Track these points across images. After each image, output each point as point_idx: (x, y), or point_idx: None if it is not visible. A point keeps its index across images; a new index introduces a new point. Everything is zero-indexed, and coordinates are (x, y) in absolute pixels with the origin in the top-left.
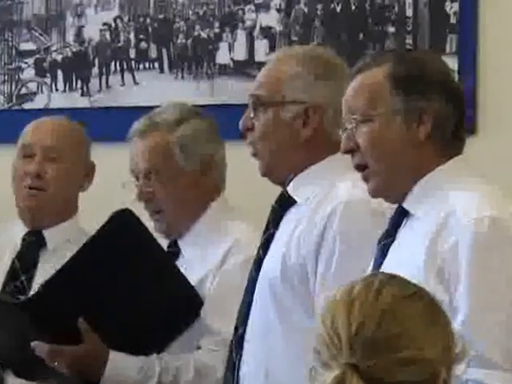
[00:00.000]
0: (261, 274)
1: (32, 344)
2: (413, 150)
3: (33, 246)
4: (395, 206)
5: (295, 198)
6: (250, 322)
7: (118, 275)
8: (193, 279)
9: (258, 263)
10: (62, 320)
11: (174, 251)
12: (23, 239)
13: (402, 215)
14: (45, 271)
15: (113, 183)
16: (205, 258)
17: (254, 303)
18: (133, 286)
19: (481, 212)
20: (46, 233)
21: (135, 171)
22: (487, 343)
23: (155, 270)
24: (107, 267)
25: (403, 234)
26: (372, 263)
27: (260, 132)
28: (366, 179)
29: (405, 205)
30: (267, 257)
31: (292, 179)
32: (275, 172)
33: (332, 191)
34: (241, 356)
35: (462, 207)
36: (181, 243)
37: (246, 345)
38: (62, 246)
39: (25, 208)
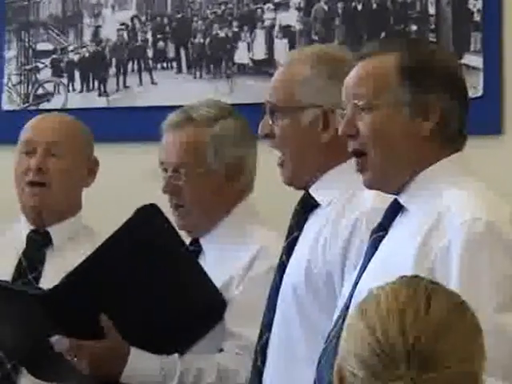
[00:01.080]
0: (284, 279)
1: (51, 339)
2: (414, 143)
3: (39, 244)
4: None
5: (318, 200)
6: (273, 327)
7: (142, 271)
8: (215, 281)
9: (282, 268)
10: (82, 315)
11: (195, 249)
12: (28, 237)
13: (396, 209)
14: (52, 269)
15: (130, 183)
16: (228, 261)
17: (278, 309)
18: (156, 284)
19: (475, 213)
20: (51, 230)
21: (165, 163)
22: None
23: (180, 269)
24: (131, 262)
25: (396, 228)
26: (363, 256)
27: (280, 138)
28: (361, 167)
29: (400, 199)
30: (291, 261)
31: (314, 181)
32: (299, 179)
33: (357, 195)
34: (265, 362)
35: (457, 207)
36: (203, 242)
37: (269, 351)
38: (67, 243)
39: (28, 206)
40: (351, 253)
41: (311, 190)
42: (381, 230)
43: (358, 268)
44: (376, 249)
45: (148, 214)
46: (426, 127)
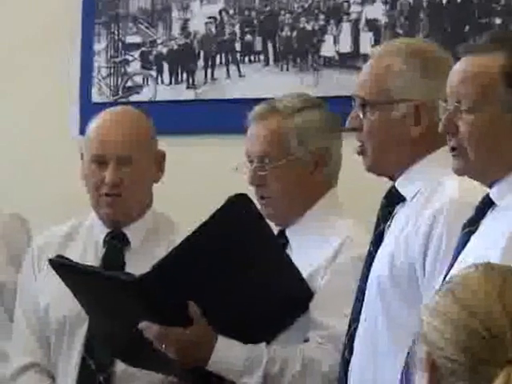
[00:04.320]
0: (371, 271)
1: (140, 325)
2: None
3: (117, 247)
4: None
5: (403, 194)
6: (361, 318)
7: (231, 260)
8: (301, 271)
9: (370, 260)
10: (171, 302)
11: (282, 241)
12: (106, 241)
13: (488, 204)
14: (133, 271)
15: (218, 175)
16: (313, 252)
17: (365, 300)
18: (245, 273)
19: None
20: (128, 232)
21: (250, 154)
22: None
23: (269, 259)
24: (220, 250)
25: (487, 223)
26: (455, 249)
27: (369, 131)
28: (457, 159)
29: (491, 195)
30: (377, 254)
31: (399, 174)
32: (381, 168)
33: (438, 188)
34: (352, 353)
35: None
36: (289, 233)
37: (356, 342)
38: (144, 241)
39: (103, 215)
40: (432, 243)
41: (397, 184)
42: (472, 224)
43: (449, 262)
44: (466, 243)
45: (239, 203)
46: None
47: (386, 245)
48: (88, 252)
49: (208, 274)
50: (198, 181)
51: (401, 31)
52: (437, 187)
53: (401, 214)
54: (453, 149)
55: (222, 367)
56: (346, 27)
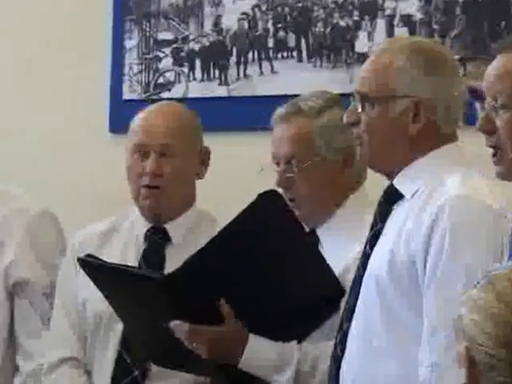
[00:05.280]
0: (367, 269)
1: (171, 324)
2: None
3: (158, 242)
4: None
5: (402, 192)
6: (354, 317)
7: (261, 258)
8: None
9: (365, 259)
10: (202, 300)
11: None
12: (146, 236)
13: None
14: (173, 267)
15: (251, 172)
16: (344, 251)
17: (359, 299)
18: (276, 271)
19: None
20: (169, 227)
21: (276, 156)
22: None
23: (300, 256)
24: (251, 248)
25: None
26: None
27: (367, 126)
28: (497, 160)
29: None
30: (374, 252)
31: (397, 172)
32: (378, 164)
33: (440, 186)
34: (344, 352)
35: None
36: (319, 232)
37: (349, 340)
38: (185, 237)
39: (144, 207)
40: (434, 240)
41: (395, 182)
42: None
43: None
44: None
45: (270, 200)
46: None
47: (383, 243)
48: (129, 247)
49: (238, 271)
50: (230, 178)
51: (436, 27)
52: (439, 184)
53: (400, 211)
54: (491, 148)
55: (254, 365)
56: (381, 23)
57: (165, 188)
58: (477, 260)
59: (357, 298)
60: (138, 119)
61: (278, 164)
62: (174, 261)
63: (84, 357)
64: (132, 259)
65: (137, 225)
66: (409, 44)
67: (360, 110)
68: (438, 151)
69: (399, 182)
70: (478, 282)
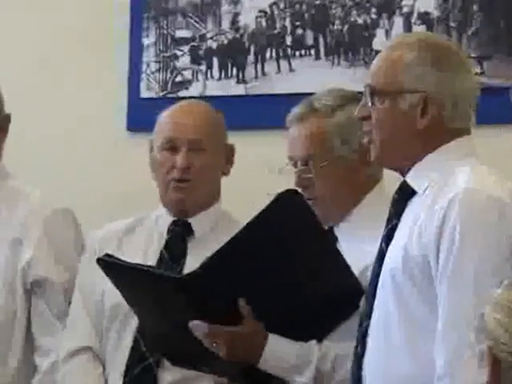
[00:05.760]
0: (383, 266)
1: (190, 323)
2: None
3: (180, 235)
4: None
5: (414, 188)
6: (373, 315)
7: (281, 258)
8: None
9: (381, 255)
10: (221, 300)
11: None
12: (170, 229)
13: None
14: (194, 261)
15: (268, 171)
16: (362, 250)
17: (377, 296)
18: (296, 271)
19: None
20: (192, 221)
21: (293, 157)
22: None
23: (320, 255)
24: (271, 247)
25: None
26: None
27: (376, 121)
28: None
29: None
30: (389, 249)
31: (409, 168)
32: (387, 160)
33: (451, 179)
34: (364, 349)
35: None
36: (337, 231)
37: (368, 338)
38: (208, 233)
39: (172, 200)
40: (446, 233)
41: (407, 178)
42: None
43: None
44: None
45: (288, 199)
46: None
47: (397, 239)
48: (152, 240)
49: (257, 270)
50: (248, 176)
51: (453, 24)
52: (449, 178)
53: (413, 206)
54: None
55: (273, 365)
56: (398, 21)
57: (194, 182)
58: (487, 253)
59: (374, 296)
60: (166, 116)
61: (295, 165)
62: (195, 254)
63: (100, 346)
64: (154, 251)
65: (161, 219)
66: (418, 39)
67: (370, 104)
68: (448, 145)
69: (411, 178)
70: (501, 282)
